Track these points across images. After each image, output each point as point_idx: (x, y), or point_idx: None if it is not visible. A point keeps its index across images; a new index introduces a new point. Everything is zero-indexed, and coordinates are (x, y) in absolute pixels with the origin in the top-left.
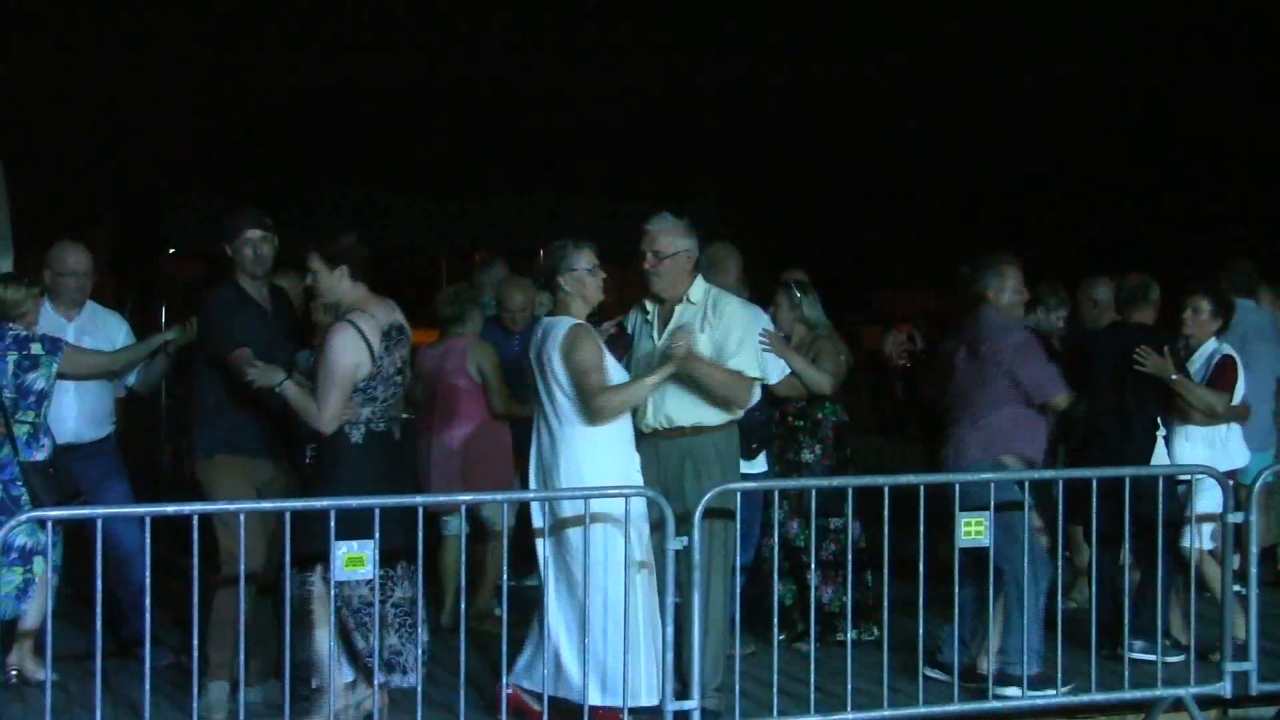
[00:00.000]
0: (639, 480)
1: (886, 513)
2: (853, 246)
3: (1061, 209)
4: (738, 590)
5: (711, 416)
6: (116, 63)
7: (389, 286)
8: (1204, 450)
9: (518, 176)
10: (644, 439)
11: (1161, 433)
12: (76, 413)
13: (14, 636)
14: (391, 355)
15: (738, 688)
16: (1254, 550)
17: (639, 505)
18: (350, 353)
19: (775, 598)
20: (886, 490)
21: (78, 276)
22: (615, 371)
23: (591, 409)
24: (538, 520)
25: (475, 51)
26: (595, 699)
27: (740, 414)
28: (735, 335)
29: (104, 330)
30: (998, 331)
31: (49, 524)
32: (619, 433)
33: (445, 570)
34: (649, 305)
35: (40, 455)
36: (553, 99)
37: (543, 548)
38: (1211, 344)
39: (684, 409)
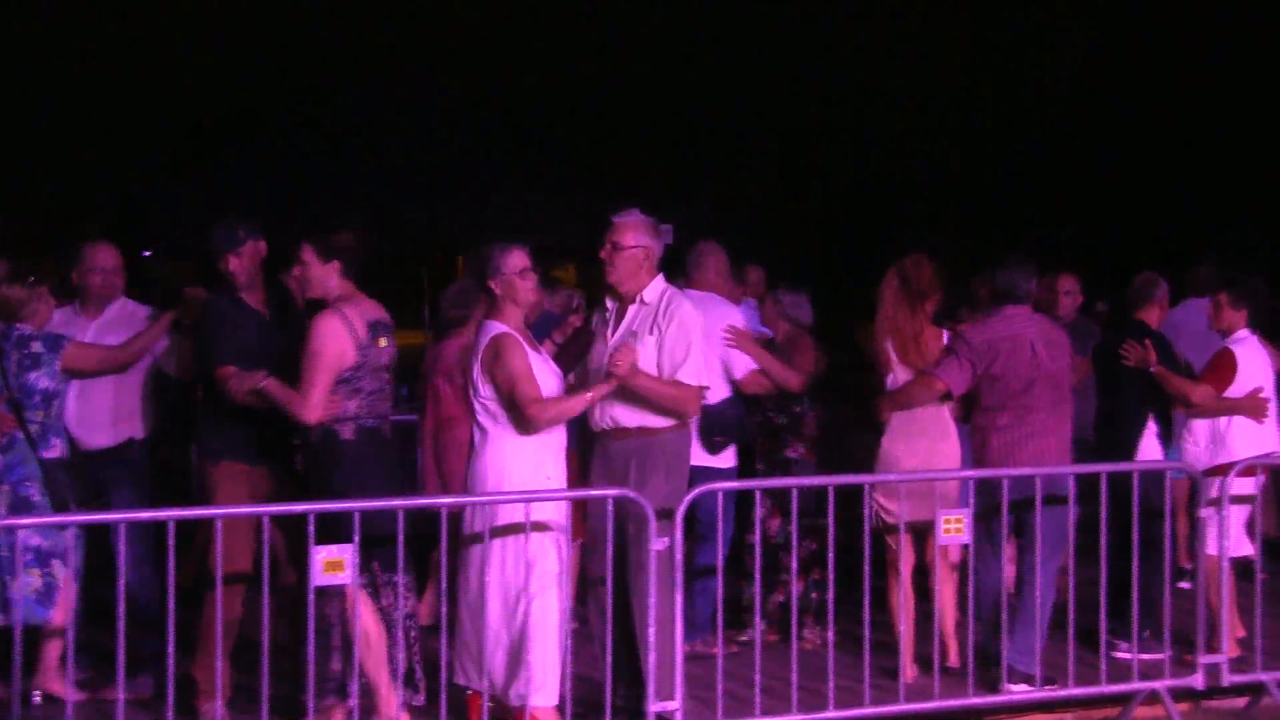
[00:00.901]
0: (558, 485)
1: (866, 510)
2: (844, 246)
3: (1043, 208)
4: (719, 589)
5: (658, 420)
6: (91, 66)
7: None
8: (1204, 444)
9: (503, 176)
10: (594, 438)
11: (1154, 429)
12: (75, 417)
13: (37, 650)
14: (378, 348)
15: (720, 686)
16: (1226, 544)
17: (559, 508)
18: (334, 339)
19: (757, 596)
20: (867, 488)
21: (104, 273)
22: (544, 373)
23: (525, 419)
24: (468, 526)
25: (458, 53)
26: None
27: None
28: (683, 344)
29: (133, 327)
30: (1057, 327)
31: (70, 528)
32: (540, 440)
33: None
34: (609, 303)
35: (50, 455)
36: (542, 99)
37: (477, 551)
38: (1241, 334)
39: (630, 413)
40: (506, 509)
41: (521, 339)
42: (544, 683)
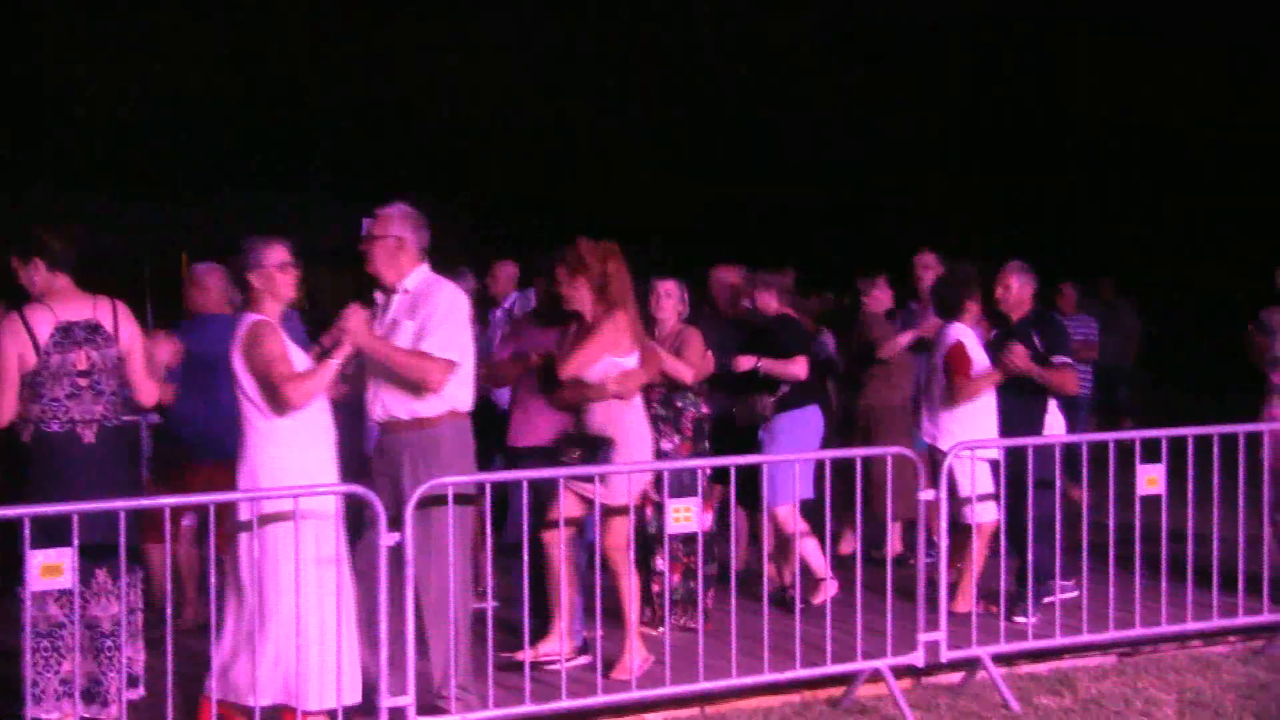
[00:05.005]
0: (331, 478)
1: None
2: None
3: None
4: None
5: (427, 408)
6: None
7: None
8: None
9: (233, 178)
10: (379, 432)
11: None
12: None
13: None
14: (67, 353)
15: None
16: (943, 524)
17: (323, 502)
18: (10, 341)
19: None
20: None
21: None
22: (301, 361)
23: (280, 399)
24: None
25: (203, 48)
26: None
27: (466, 405)
28: (434, 319)
29: None
30: None
31: None
32: (309, 432)
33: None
34: (378, 296)
35: None
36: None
37: (248, 548)
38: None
39: (399, 401)
40: (272, 503)
41: (279, 327)
42: (319, 686)
